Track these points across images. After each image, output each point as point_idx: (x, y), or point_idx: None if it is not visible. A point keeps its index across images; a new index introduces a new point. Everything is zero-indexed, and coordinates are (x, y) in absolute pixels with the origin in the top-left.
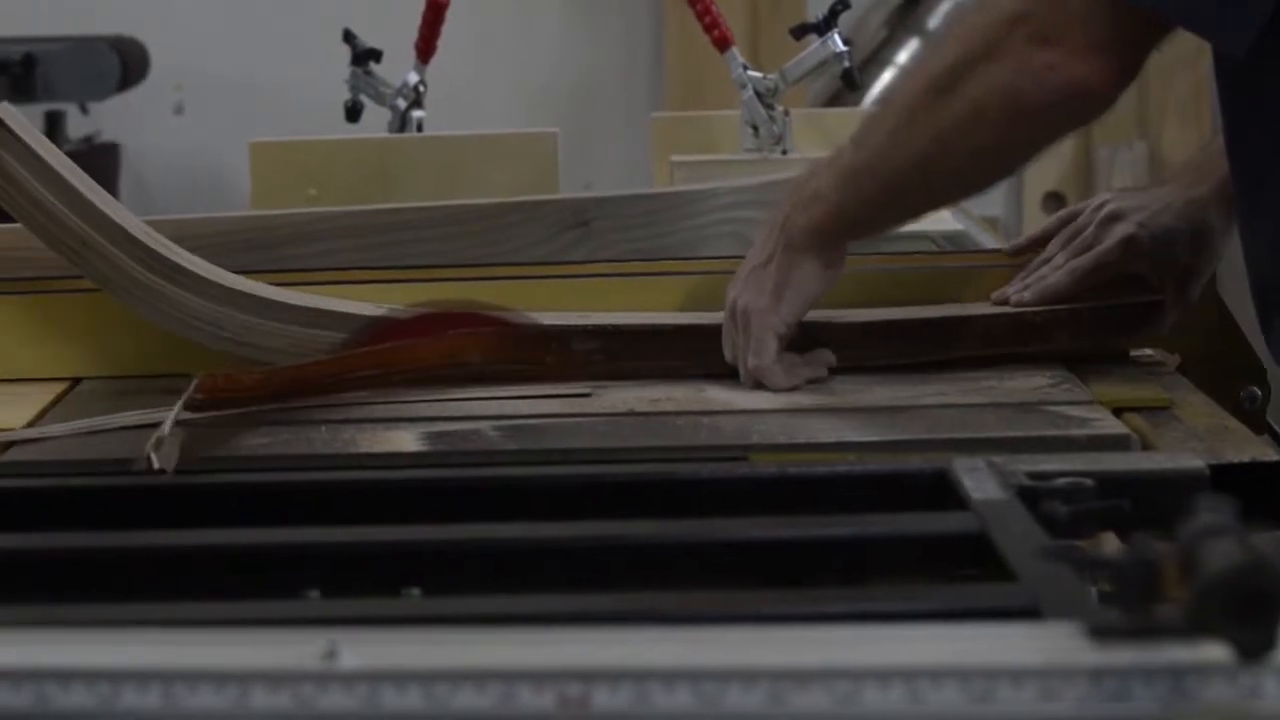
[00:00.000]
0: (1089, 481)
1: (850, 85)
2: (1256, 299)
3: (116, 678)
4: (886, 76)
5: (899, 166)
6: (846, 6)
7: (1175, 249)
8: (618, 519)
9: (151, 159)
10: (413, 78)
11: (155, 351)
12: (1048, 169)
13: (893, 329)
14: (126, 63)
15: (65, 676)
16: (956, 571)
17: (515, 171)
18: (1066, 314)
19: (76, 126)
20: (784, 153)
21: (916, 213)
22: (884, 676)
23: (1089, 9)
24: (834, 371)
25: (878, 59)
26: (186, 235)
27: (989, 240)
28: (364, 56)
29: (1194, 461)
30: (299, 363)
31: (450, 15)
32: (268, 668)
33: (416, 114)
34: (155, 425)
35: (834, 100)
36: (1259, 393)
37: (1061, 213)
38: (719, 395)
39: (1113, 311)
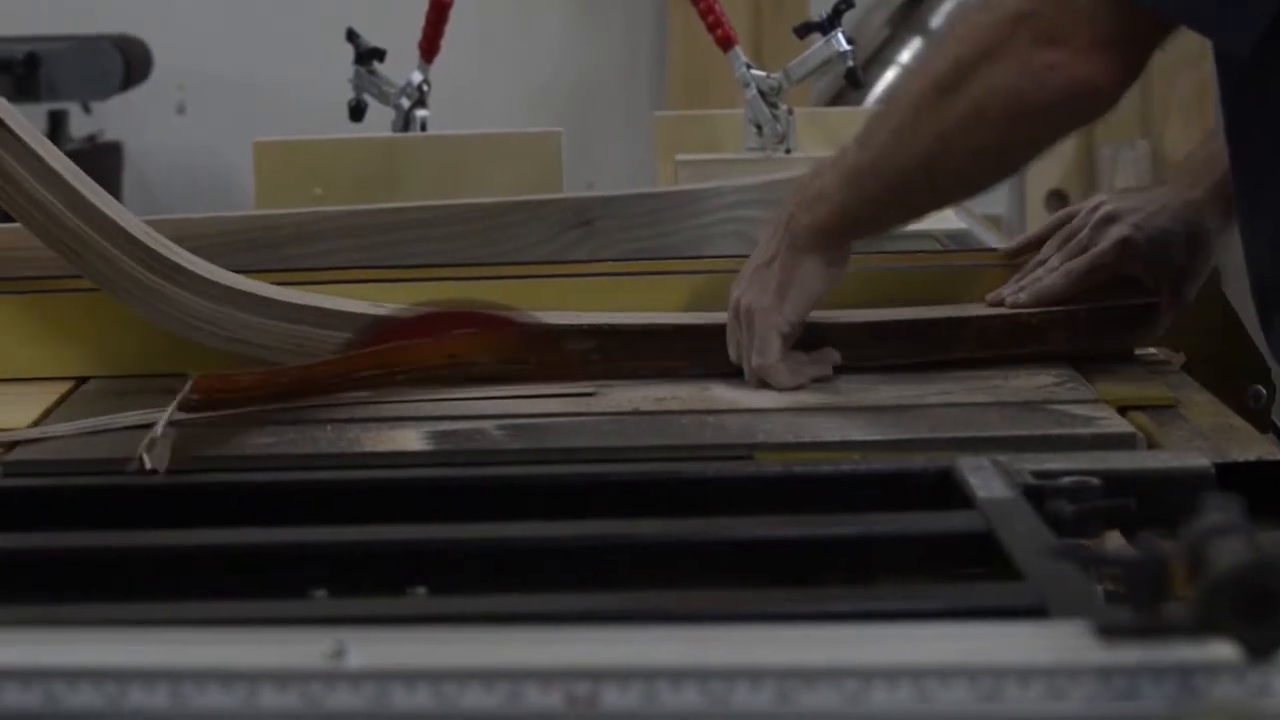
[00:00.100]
0: (1095, 480)
1: (854, 84)
2: (1257, 299)
3: (124, 677)
4: (889, 75)
5: (903, 166)
6: (850, 5)
7: (1171, 251)
8: (623, 518)
9: (154, 158)
10: (416, 77)
11: (158, 351)
12: (1050, 167)
13: (888, 330)
14: (129, 62)
15: (73, 676)
16: (962, 570)
17: (519, 171)
18: (1062, 315)
19: (79, 126)
20: (787, 152)
21: (920, 212)
22: (892, 675)
23: (1092, 8)
24: (836, 371)
25: (880, 58)
26: (190, 235)
27: (992, 238)
28: (367, 56)
29: (1200, 460)
30: (297, 363)
31: (453, 14)
32: (276, 667)
33: (420, 113)
34: (167, 424)
35: (837, 99)
36: (1264, 391)
37: (1057, 215)
38: (724, 394)
39: (1108, 313)
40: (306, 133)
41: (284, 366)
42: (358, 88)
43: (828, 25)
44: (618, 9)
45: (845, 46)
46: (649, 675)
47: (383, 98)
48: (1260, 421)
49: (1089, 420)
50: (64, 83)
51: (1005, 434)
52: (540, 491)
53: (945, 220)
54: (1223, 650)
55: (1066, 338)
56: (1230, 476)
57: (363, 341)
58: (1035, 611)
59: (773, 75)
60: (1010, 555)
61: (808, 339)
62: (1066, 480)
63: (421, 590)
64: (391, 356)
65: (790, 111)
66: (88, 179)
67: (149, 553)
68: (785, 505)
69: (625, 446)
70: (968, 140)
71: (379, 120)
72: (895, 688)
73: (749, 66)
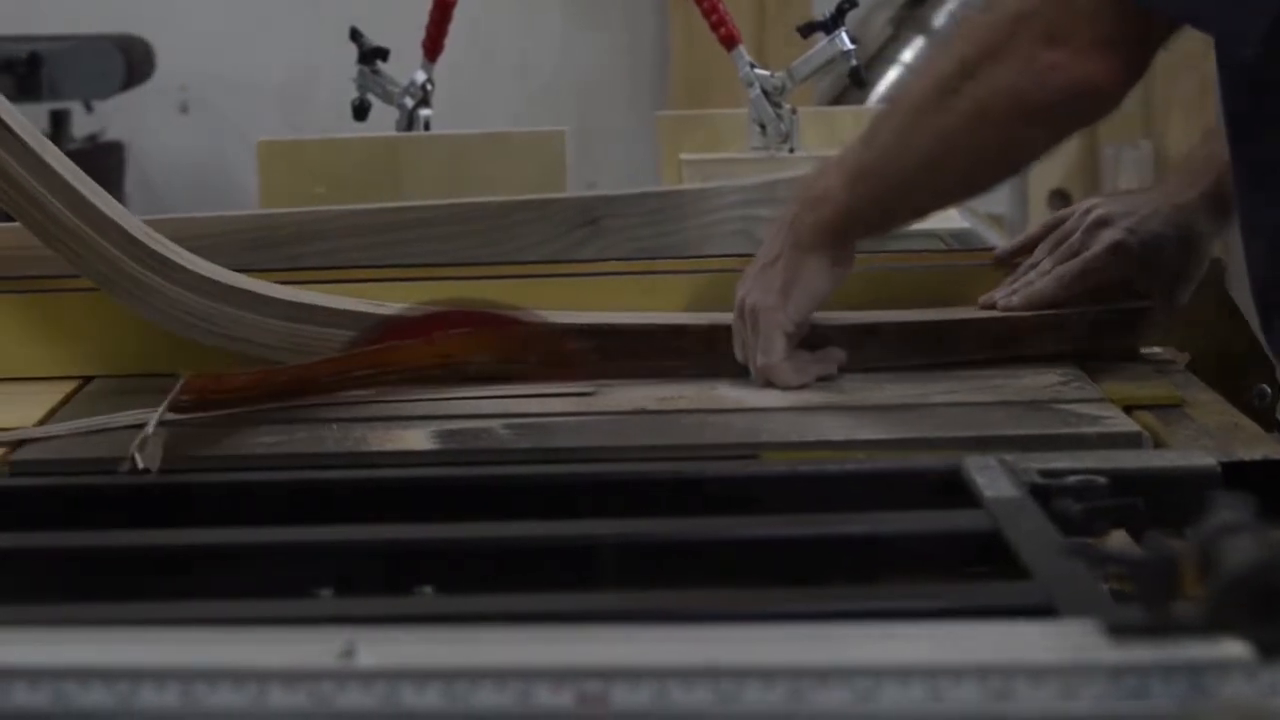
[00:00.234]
0: (1101, 479)
1: (857, 83)
2: (1257, 299)
3: (135, 676)
4: (892, 75)
5: (906, 166)
6: (854, 4)
7: (1163, 254)
8: (630, 517)
9: (157, 158)
10: (420, 76)
11: (160, 350)
12: (1053, 167)
13: (877, 332)
14: (131, 61)
15: (84, 675)
16: (969, 569)
17: (523, 170)
18: (1054, 319)
19: (81, 125)
20: (791, 151)
21: (924, 212)
22: (904, 674)
23: (1094, 8)
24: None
25: (883, 57)
26: (192, 234)
27: (995, 237)
28: (371, 55)
29: (1206, 459)
30: (298, 362)
31: (456, 13)
32: (286, 666)
33: (424, 112)
34: (158, 424)
35: (840, 98)
36: (1269, 390)
37: (1049, 218)
38: (729, 393)
39: (1101, 317)
40: (310, 132)
41: (278, 366)
42: (361, 87)
43: (831, 24)
44: (620, 8)
45: (849, 46)
46: (660, 675)
47: (386, 97)
48: (1266, 420)
49: (1095, 419)
50: (66, 82)
51: (1011, 433)
52: (547, 490)
53: (948, 219)
54: (1234, 649)
55: (1058, 341)
56: (1236, 475)
57: (367, 340)
58: (1043, 610)
59: (776, 74)
60: (1017, 554)
61: (810, 338)
62: (1073, 479)
63: (428, 589)
64: (387, 356)
65: (793, 111)
66: (87, 179)
67: (155, 552)
68: (791, 504)
69: (631, 446)
70: (970, 140)
71: (382, 120)
72: (907, 686)
73: (752, 66)
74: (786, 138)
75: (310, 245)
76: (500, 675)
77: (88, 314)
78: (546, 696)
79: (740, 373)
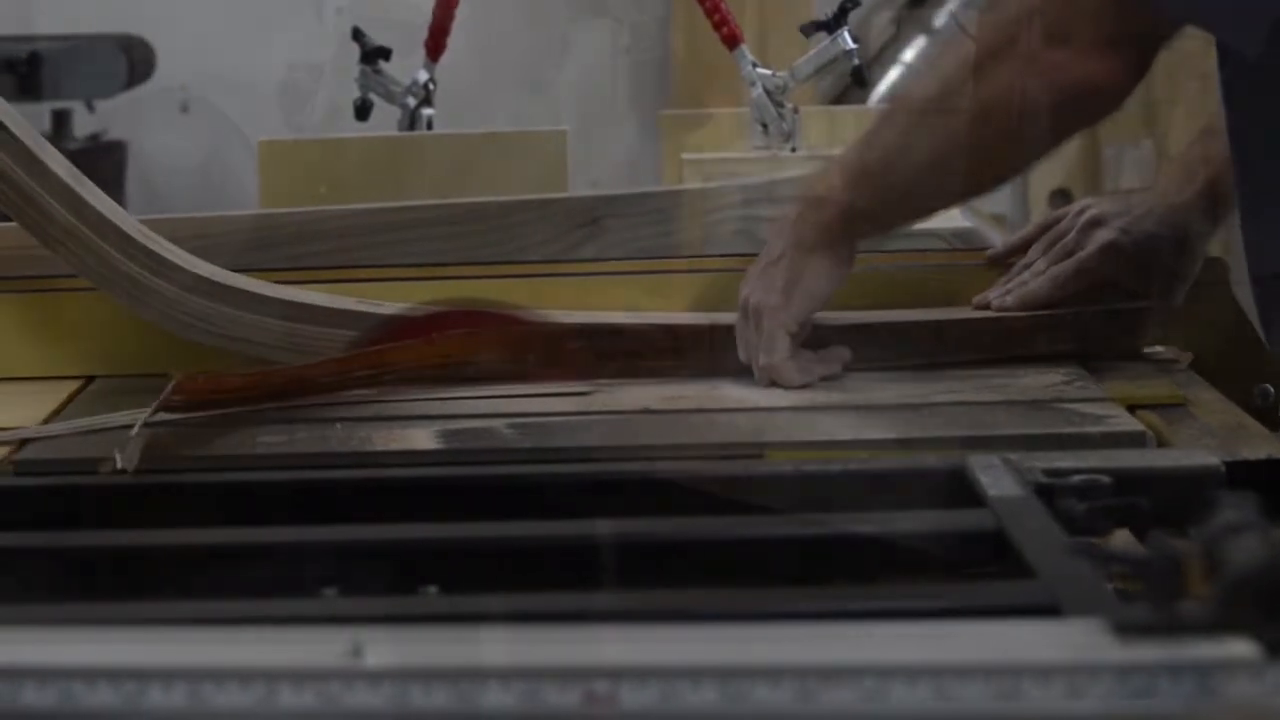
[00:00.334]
0: (1105, 479)
1: (859, 83)
2: (1258, 299)
3: (142, 676)
4: (894, 74)
5: (909, 166)
6: (856, 4)
7: (1158, 254)
8: (634, 516)
9: (158, 157)
10: (422, 76)
11: (160, 350)
12: (1054, 167)
13: (871, 333)
14: (133, 61)
15: (91, 675)
16: (974, 568)
17: (525, 170)
18: (1048, 319)
19: (83, 125)
20: (793, 150)
21: (927, 211)
22: (911, 673)
23: (1097, 7)
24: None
25: (885, 57)
26: (194, 234)
27: (997, 237)
28: (373, 54)
29: (1210, 458)
30: (297, 361)
31: (459, 13)
32: (294, 666)
33: (426, 112)
34: (159, 423)
35: (842, 97)
36: (1272, 390)
37: (1043, 219)
38: (733, 393)
39: (1095, 317)
40: (311, 132)
41: (274, 367)
42: (363, 86)
43: (833, 24)
44: (622, 7)
45: (851, 45)
46: (668, 674)
47: (388, 96)
48: (1269, 419)
49: (1099, 419)
50: (67, 82)
51: (1015, 432)
52: (552, 490)
53: (951, 219)
54: (1241, 648)
55: (1052, 341)
56: (1240, 475)
57: (367, 340)
58: (1048, 610)
59: (778, 74)
60: (1022, 553)
61: (810, 339)
62: (1077, 478)
63: (433, 589)
64: (387, 356)
65: (795, 110)
66: (85, 179)
67: (159, 551)
68: (796, 504)
69: (636, 445)
70: (973, 140)
71: (385, 119)
72: (914, 686)
73: (754, 65)
74: (788, 137)
75: (310, 245)
76: (508, 674)
77: (88, 314)
78: (554, 696)
79: (742, 372)
